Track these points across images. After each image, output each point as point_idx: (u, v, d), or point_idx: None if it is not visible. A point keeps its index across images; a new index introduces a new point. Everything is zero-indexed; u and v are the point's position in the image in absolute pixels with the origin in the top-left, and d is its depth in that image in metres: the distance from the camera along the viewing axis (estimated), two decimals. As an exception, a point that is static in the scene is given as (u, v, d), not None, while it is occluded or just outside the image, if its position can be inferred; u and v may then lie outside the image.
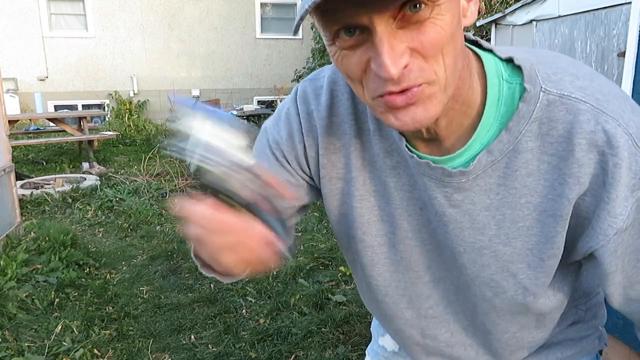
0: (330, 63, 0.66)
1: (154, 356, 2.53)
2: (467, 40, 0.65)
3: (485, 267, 0.70)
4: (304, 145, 0.76)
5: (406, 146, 0.68)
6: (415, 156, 0.67)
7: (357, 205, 0.75)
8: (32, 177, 6.22)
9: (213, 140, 0.49)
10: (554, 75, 0.61)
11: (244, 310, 2.95)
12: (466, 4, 0.57)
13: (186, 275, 3.50)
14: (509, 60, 0.65)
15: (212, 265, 0.63)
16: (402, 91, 0.54)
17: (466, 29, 0.62)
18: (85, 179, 6.19)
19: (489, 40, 5.89)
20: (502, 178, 0.65)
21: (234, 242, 0.55)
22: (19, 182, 5.55)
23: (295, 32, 0.56)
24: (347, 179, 0.75)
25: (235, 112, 7.88)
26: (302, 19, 0.50)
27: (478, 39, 0.67)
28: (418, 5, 0.49)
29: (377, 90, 0.54)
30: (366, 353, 1.11)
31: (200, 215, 0.53)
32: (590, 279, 0.77)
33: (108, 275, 3.49)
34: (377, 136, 0.71)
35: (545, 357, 0.85)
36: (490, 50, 0.66)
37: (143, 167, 6.57)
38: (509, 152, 0.63)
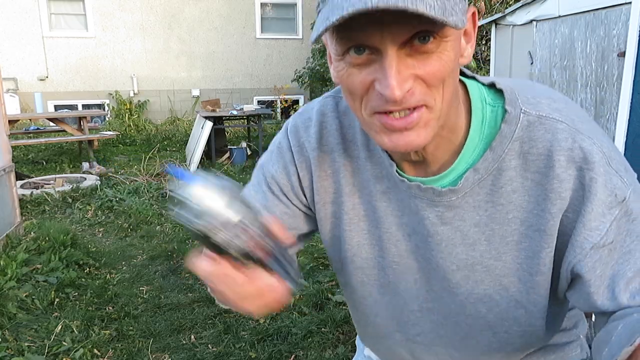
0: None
1: (154, 356, 2.53)
2: None
3: (478, 282, 0.72)
4: (298, 176, 0.80)
5: (397, 171, 0.71)
6: (405, 180, 0.71)
7: (347, 229, 0.78)
8: (32, 177, 6.22)
9: (203, 204, 0.53)
10: (532, 98, 0.66)
11: (244, 310, 2.95)
12: (465, 45, 0.62)
13: (186, 275, 3.50)
14: (491, 86, 0.70)
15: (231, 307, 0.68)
16: (403, 113, 0.58)
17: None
18: (85, 178, 6.19)
19: (489, 40, 5.89)
20: (489, 195, 0.68)
21: (243, 292, 0.59)
22: (19, 182, 5.55)
23: (316, 41, 0.57)
24: (337, 203, 0.79)
25: (235, 112, 7.87)
26: (326, 29, 0.52)
27: (461, 67, 0.70)
28: (427, 38, 0.53)
29: (377, 107, 0.58)
30: None
31: (206, 272, 0.58)
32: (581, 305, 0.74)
33: (108, 275, 3.49)
34: (369, 163, 0.75)
35: None
36: (473, 77, 0.71)
37: (143, 167, 6.57)
38: (494, 170, 0.67)
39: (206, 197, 0.53)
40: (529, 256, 0.68)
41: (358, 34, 0.54)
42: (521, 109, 0.65)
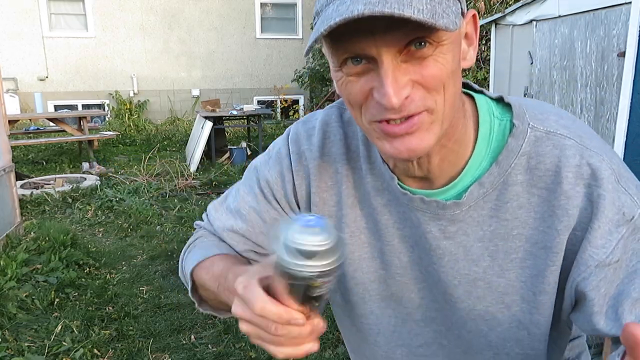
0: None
1: (154, 356, 2.53)
2: None
3: (480, 299, 0.71)
4: (294, 184, 0.78)
5: (398, 184, 0.70)
6: (408, 192, 0.69)
7: (348, 242, 0.76)
8: (32, 177, 6.22)
9: (322, 254, 0.48)
10: (540, 114, 0.66)
11: (244, 310, 2.95)
12: (467, 48, 0.61)
13: (186, 275, 3.50)
14: (499, 100, 0.69)
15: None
16: (403, 119, 0.56)
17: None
18: (85, 179, 6.20)
19: (489, 40, 5.89)
20: (494, 210, 0.67)
21: (301, 335, 0.55)
22: (19, 182, 5.55)
23: (307, 54, 0.59)
24: (338, 216, 0.76)
25: (235, 112, 7.87)
26: (316, 41, 0.53)
27: (469, 82, 0.70)
28: (423, 43, 0.53)
29: (376, 116, 0.57)
30: None
31: (272, 314, 0.52)
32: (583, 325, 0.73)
33: (108, 275, 3.49)
34: (370, 175, 0.73)
35: None
36: (481, 92, 0.70)
37: (143, 167, 6.57)
38: (500, 184, 0.65)
39: (324, 245, 0.47)
40: (534, 274, 0.67)
41: (352, 44, 0.54)
42: (529, 124, 0.64)
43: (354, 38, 0.53)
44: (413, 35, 0.52)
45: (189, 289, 0.77)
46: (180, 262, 0.84)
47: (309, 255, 0.47)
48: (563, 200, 0.62)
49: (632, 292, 0.62)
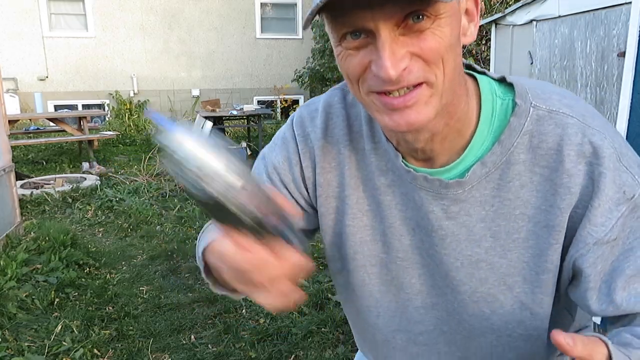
0: (330, 64, 0.66)
1: (154, 356, 2.53)
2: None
3: (482, 281, 0.70)
4: (301, 166, 0.78)
5: (403, 162, 0.70)
6: (412, 170, 0.69)
7: (350, 224, 0.76)
8: (32, 177, 6.22)
9: (204, 162, 0.44)
10: (542, 94, 0.66)
11: (244, 310, 2.95)
12: (467, 24, 0.62)
13: (186, 275, 3.50)
14: (501, 80, 0.69)
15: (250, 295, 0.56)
16: (402, 92, 0.57)
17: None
18: (85, 178, 6.19)
19: (489, 40, 5.89)
20: (496, 189, 0.66)
21: (273, 273, 0.49)
22: (19, 182, 5.55)
23: (306, 27, 0.59)
24: (341, 197, 0.76)
25: (235, 112, 7.87)
26: (312, 14, 0.54)
27: (471, 63, 0.71)
28: (420, 16, 0.53)
29: (374, 87, 0.58)
30: None
31: (228, 256, 0.49)
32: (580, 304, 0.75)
33: (108, 275, 3.49)
34: (373, 155, 0.73)
35: None
36: (483, 73, 0.71)
37: (143, 167, 6.57)
38: (502, 164, 0.65)
39: (205, 155, 0.44)
40: (536, 254, 0.67)
41: (351, 18, 0.54)
42: (531, 103, 0.65)
43: (352, 12, 0.53)
44: (410, 8, 0.52)
45: (202, 270, 0.75)
46: (196, 248, 0.84)
47: (175, 159, 0.44)
48: (565, 178, 0.63)
49: (626, 269, 0.63)
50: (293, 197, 0.79)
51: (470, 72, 0.70)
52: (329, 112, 0.77)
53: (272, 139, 0.85)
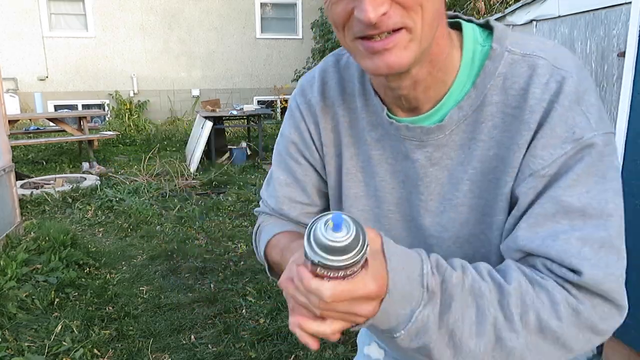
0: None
1: (154, 356, 2.53)
2: (448, 17, 0.72)
3: (463, 224, 0.72)
4: (309, 130, 0.84)
5: (387, 114, 0.74)
6: (394, 121, 0.73)
7: (345, 179, 0.81)
8: (32, 177, 6.22)
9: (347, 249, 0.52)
10: (521, 40, 0.68)
11: (244, 310, 2.95)
12: None
13: (186, 275, 3.50)
14: (487, 26, 0.72)
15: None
16: (383, 36, 0.60)
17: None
18: (85, 178, 6.19)
19: (489, 40, 5.87)
20: (472, 132, 0.68)
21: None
22: (19, 182, 5.55)
23: None
24: (339, 155, 0.82)
25: (235, 112, 7.87)
26: None
27: (458, 13, 0.73)
28: None
29: (358, 32, 0.61)
30: None
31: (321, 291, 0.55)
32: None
33: (108, 275, 3.49)
34: (364, 112, 0.78)
35: None
36: (469, 21, 0.73)
37: (143, 167, 6.57)
38: (477, 106, 0.67)
39: (345, 240, 0.52)
40: (509, 192, 0.67)
41: None
42: (507, 48, 0.66)
43: None
44: None
45: (266, 269, 0.85)
46: (254, 247, 0.93)
47: (334, 250, 0.51)
48: (527, 115, 0.64)
49: (550, 209, 0.62)
50: (310, 163, 0.85)
51: (458, 21, 0.73)
52: (323, 77, 0.82)
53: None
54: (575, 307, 0.59)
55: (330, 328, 0.58)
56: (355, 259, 0.51)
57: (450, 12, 0.72)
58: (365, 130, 0.77)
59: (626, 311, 0.62)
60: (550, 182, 0.63)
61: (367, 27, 0.58)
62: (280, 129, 0.90)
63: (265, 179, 0.94)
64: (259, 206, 0.95)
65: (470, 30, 0.71)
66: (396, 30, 0.59)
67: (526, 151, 0.64)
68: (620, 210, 0.63)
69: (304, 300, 0.55)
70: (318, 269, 0.53)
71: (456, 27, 0.72)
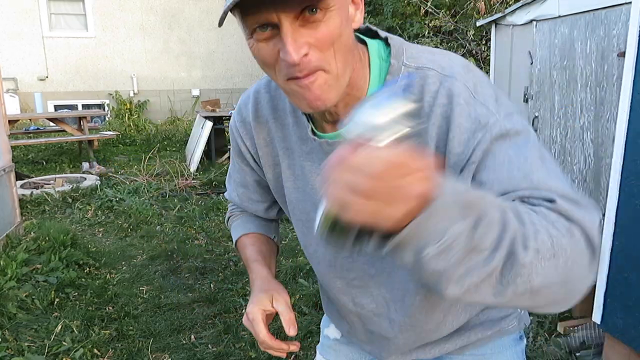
0: None
1: (154, 356, 2.53)
2: (359, 31, 0.79)
3: None
4: (246, 145, 0.95)
5: (312, 130, 0.82)
6: (316, 138, 0.81)
7: (285, 185, 0.91)
8: (32, 177, 6.22)
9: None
10: (416, 54, 0.75)
11: (243, 310, 2.94)
12: (353, 12, 0.72)
13: (186, 275, 3.50)
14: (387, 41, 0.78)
15: None
16: (306, 76, 0.67)
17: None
18: (85, 178, 6.19)
19: (489, 40, 5.89)
20: None
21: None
22: (19, 182, 5.55)
23: (220, 24, 0.68)
24: (277, 164, 0.92)
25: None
26: (225, 14, 0.66)
27: (370, 26, 0.80)
28: (314, 10, 0.64)
29: (287, 75, 0.67)
30: (316, 349, 1.21)
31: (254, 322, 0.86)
32: None
33: (108, 275, 3.49)
34: (296, 127, 0.85)
35: (467, 338, 0.94)
36: (375, 33, 0.80)
37: (143, 167, 6.57)
38: None
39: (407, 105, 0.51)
40: None
41: (258, 15, 0.65)
42: (403, 62, 0.74)
43: (258, 9, 0.64)
44: (305, 3, 0.63)
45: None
46: (228, 227, 1.13)
47: (403, 114, 0.50)
48: (424, 124, 0.71)
49: (491, 179, 0.66)
50: (257, 172, 0.98)
51: (363, 37, 0.79)
52: (257, 97, 0.91)
53: None
54: (569, 223, 0.58)
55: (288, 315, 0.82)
56: (415, 128, 0.50)
57: (362, 26, 0.78)
58: (297, 144, 0.86)
59: (593, 206, 0.63)
60: (479, 168, 0.67)
61: (292, 67, 0.65)
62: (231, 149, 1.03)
63: (228, 170, 1.08)
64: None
65: (375, 46, 0.78)
66: (315, 71, 0.67)
67: (444, 154, 0.70)
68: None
69: (350, 178, 0.48)
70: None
71: (362, 40, 0.78)
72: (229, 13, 0.68)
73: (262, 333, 0.83)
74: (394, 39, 0.77)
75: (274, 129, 0.89)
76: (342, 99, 0.73)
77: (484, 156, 0.67)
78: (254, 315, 0.83)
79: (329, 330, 1.15)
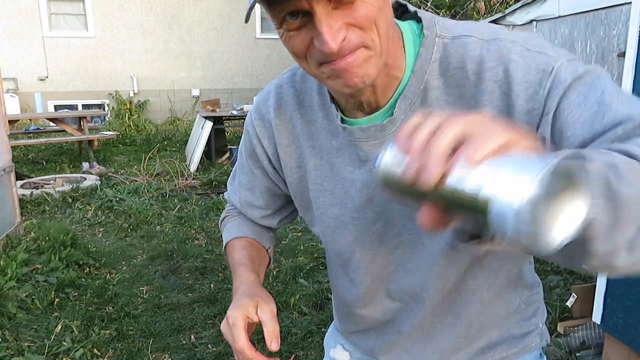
0: None
1: (154, 356, 2.53)
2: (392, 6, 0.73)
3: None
4: (262, 146, 0.87)
5: (341, 118, 0.75)
6: (347, 126, 0.74)
7: (312, 188, 0.83)
8: (32, 177, 6.22)
9: None
10: (450, 26, 0.71)
11: (244, 310, 2.95)
12: None
13: (186, 275, 3.50)
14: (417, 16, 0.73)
15: None
16: (344, 57, 0.61)
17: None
18: (85, 178, 6.20)
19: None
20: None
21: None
22: (19, 182, 5.55)
23: (247, 19, 0.62)
24: (302, 166, 0.84)
25: (235, 112, 7.86)
26: (251, 8, 0.59)
27: (402, 1, 0.75)
28: None
29: (321, 60, 0.62)
30: None
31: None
32: None
33: (108, 275, 3.49)
34: (326, 121, 0.79)
35: (491, 357, 0.88)
36: (404, 9, 0.75)
37: (143, 167, 6.57)
38: (420, 92, 0.70)
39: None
40: None
41: (286, 2, 0.58)
42: (437, 33, 0.69)
43: None
44: None
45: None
46: (221, 227, 1.05)
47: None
48: (472, 90, 0.66)
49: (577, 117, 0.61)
50: (270, 176, 0.90)
51: (397, 21, 0.74)
52: (279, 93, 0.84)
53: None
54: None
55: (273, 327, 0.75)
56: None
57: (394, 2, 0.72)
58: (327, 140, 0.79)
59: None
60: (556, 116, 0.62)
61: (329, 55, 0.60)
62: (240, 146, 0.95)
63: (232, 172, 1.01)
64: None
65: (407, 24, 0.73)
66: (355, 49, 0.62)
67: (512, 115, 0.64)
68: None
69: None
70: None
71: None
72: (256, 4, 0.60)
73: (241, 340, 0.74)
74: (424, 13, 0.73)
75: (300, 126, 0.82)
76: (381, 81, 0.69)
77: (560, 102, 0.62)
78: (235, 320, 0.74)
79: (336, 352, 1.06)
